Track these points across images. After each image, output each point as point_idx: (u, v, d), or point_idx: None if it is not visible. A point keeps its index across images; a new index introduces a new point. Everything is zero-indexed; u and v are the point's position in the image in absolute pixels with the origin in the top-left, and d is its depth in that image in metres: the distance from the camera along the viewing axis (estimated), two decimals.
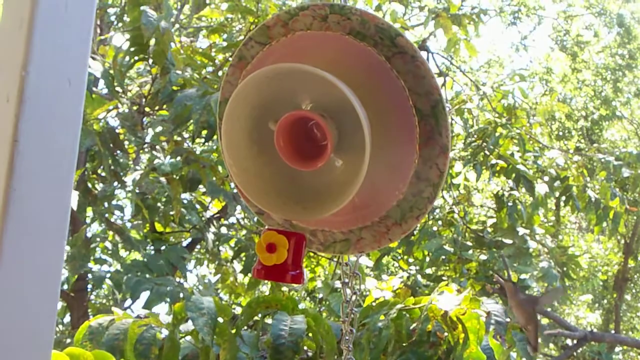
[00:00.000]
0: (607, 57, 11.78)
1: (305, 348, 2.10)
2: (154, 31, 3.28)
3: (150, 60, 3.54)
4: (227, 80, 1.10)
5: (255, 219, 4.70)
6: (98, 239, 4.94)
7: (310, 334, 2.04)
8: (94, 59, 3.45)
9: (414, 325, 2.06)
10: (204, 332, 1.84)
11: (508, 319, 2.02)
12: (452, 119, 5.41)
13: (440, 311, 2.00)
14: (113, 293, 4.19)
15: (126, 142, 4.24)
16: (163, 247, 4.03)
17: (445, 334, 2.02)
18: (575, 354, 7.44)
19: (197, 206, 4.65)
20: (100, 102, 3.69)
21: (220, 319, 1.94)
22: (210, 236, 4.41)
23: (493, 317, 2.04)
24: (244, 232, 5.11)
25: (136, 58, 3.55)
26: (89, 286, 4.71)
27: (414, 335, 2.04)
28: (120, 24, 4.54)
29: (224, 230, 4.85)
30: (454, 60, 7.14)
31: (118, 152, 3.90)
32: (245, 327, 2.41)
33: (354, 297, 1.21)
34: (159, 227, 4.43)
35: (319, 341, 2.02)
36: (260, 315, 2.09)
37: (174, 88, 3.48)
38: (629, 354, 10.17)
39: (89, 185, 4.10)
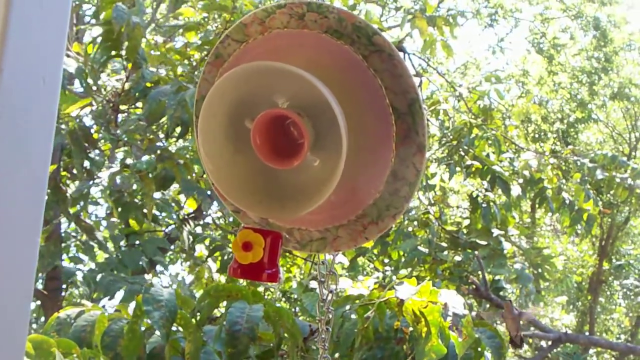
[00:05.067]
0: (583, 60, 11.86)
1: (271, 344, 2.09)
2: (125, 25, 3.27)
3: (124, 58, 3.53)
4: (203, 78, 1.09)
5: (231, 218, 4.69)
6: (72, 238, 4.90)
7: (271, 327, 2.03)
8: (68, 55, 3.43)
9: (368, 313, 2.05)
10: (159, 325, 1.81)
11: (466, 311, 2.02)
12: (428, 120, 5.41)
13: (397, 300, 1.99)
14: (88, 292, 4.17)
15: (101, 141, 4.21)
16: (137, 242, 4.00)
17: (410, 328, 2.02)
18: (549, 355, 7.49)
19: (173, 205, 4.63)
20: (74, 100, 3.66)
21: (183, 311, 1.92)
22: (186, 234, 4.39)
23: (450, 309, 2.03)
24: (219, 232, 5.09)
25: (109, 54, 3.54)
26: (64, 285, 4.69)
27: (366, 323, 2.04)
28: (94, 21, 4.52)
29: (199, 230, 4.83)
30: (430, 61, 7.16)
31: (92, 150, 3.87)
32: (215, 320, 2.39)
33: (329, 296, 1.21)
34: (134, 224, 4.41)
35: (280, 332, 2.01)
36: (225, 307, 2.07)
37: (148, 85, 3.47)
38: (602, 356, 10.25)
39: (61, 183, 4.06)
